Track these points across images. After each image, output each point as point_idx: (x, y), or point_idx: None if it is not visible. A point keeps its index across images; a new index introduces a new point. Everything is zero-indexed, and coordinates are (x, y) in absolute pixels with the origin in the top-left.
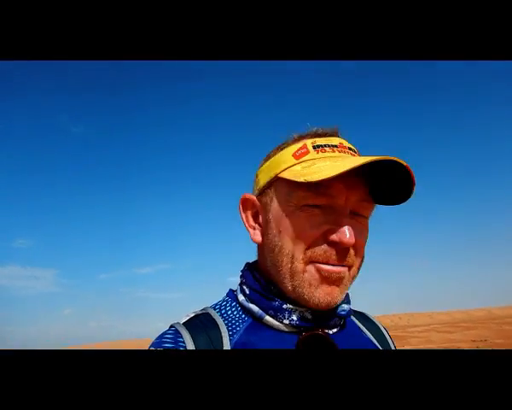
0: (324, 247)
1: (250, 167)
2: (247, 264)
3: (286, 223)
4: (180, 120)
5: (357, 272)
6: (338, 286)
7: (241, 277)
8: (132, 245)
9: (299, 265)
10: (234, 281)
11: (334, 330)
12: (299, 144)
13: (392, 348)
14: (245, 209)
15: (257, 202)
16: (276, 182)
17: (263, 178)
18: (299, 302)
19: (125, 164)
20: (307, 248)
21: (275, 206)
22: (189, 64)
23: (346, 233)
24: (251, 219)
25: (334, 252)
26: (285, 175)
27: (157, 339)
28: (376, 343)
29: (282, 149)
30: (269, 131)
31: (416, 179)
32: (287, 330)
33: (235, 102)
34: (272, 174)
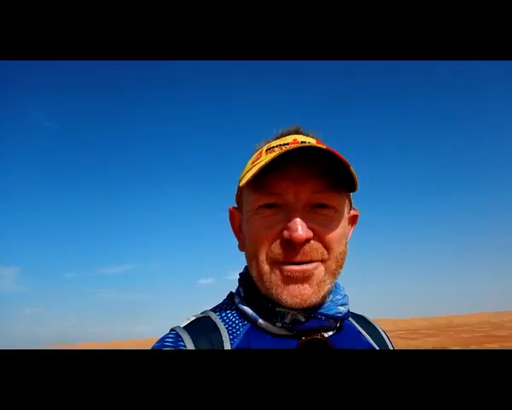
0: (281, 246)
1: (219, 172)
2: (246, 268)
3: (248, 228)
4: (154, 118)
5: (337, 265)
6: (309, 285)
7: (238, 280)
8: (101, 244)
9: (265, 267)
10: (205, 283)
11: (330, 332)
12: (258, 151)
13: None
14: (232, 221)
15: (236, 213)
16: (242, 191)
17: (237, 189)
18: (278, 303)
19: (97, 162)
20: (267, 250)
21: (243, 214)
22: (164, 63)
23: (297, 228)
24: (237, 231)
25: (292, 250)
26: (241, 183)
27: (158, 343)
28: (376, 346)
29: (250, 159)
30: (241, 135)
31: (347, 160)
32: (280, 333)
33: (213, 106)
34: (240, 184)
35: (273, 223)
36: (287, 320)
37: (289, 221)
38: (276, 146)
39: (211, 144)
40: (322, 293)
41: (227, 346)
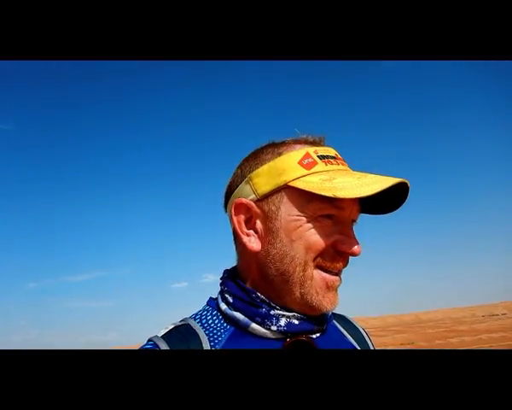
0: (333, 256)
1: (192, 173)
2: (227, 271)
3: (300, 232)
4: (112, 119)
5: None
6: (336, 293)
7: (221, 284)
8: (64, 251)
9: (309, 273)
10: (179, 288)
11: (318, 334)
12: (302, 152)
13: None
14: (237, 214)
15: (255, 208)
16: (286, 190)
17: (265, 184)
18: (301, 309)
19: (58, 164)
20: (316, 257)
21: (285, 214)
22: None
23: (357, 244)
24: (243, 226)
25: (339, 261)
26: (300, 185)
27: None
28: (357, 346)
29: (279, 155)
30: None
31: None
32: (273, 336)
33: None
34: (280, 181)
35: (330, 233)
36: (282, 323)
37: (345, 234)
38: (328, 157)
39: (181, 142)
40: None
41: None
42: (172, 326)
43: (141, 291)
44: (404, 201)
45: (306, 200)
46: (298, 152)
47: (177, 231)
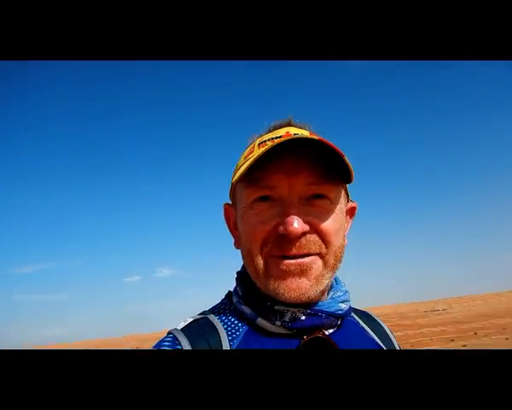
0: (277, 240)
1: (144, 166)
2: (243, 266)
3: (243, 224)
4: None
5: (336, 259)
6: (307, 278)
7: (236, 279)
8: (10, 241)
9: (260, 262)
10: (131, 281)
11: (331, 330)
12: (250, 146)
13: (396, 346)
14: (228, 219)
15: (231, 209)
16: (235, 187)
17: (230, 186)
18: (280, 298)
19: (4, 153)
20: (263, 245)
21: (238, 210)
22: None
23: (292, 222)
24: (233, 228)
25: (288, 244)
26: (234, 178)
27: (154, 347)
28: (380, 343)
29: (242, 154)
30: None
31: (340, 150)
32: (280, 332)
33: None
34: (232, 181)
35: (268, 217)
36: (286, 319)
37: (284, 215)
38: (269, 139)
39: (134, 132)
40: (321, 287)
41: (226, 348)
42: (191, 319)
43: (92, 284)
44: (339, 159)
45: (241, 190)
46: (248, 148)
47: (132, 223)
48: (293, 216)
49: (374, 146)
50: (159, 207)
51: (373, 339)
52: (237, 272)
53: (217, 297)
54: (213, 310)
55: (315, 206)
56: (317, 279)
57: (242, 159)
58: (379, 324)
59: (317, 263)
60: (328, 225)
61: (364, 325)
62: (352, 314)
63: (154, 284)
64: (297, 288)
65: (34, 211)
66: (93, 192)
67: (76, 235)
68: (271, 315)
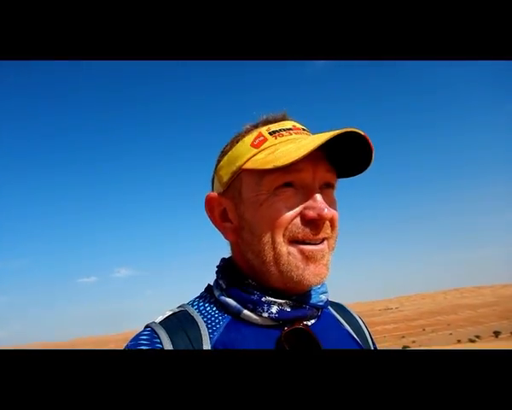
0: (302, 225)
1: (99, 158)
2: (224, 259)
3: (262, 211)
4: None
5: (335, 243)
6: (324, 264)
7: (217, 272)
8: None
9: (282, 248)
10: (87, 282)
11: (312, 321)
12: (255, 133)
13: (369, 338)
14: (211, 209)
15: (223, 199)
16: (242, 174)
17: (226, 174)
18: (287, 288)
19: None
20: (286, 230)
21: (246, 197)
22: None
23: (324, 208)
24: (218, 219)
25: (311, 229)
26: (249, 166)
27: (132, 341)
28: (354, 335)
29: (237, 142)
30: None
31: (373, 147)
32: (265, 323)
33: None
34: (235, 168)
35: (294, 203)
36: (273, 310)
37: (313, 201)
38: (280, 130)
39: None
40: (329, 272)
41: (206, 340)
42: (170, 312)
43: (41, 286)
44: (370, 154)
45: (259, 177)
46: (251, 134)
47: (87, 222)
48: (322, 201)
49: None
50: (119, 207)
51: (347, 331)
52: (218, 266)
53: (179, 297)
54: (192, 303)
55: (325, 194)
56: (327, 264)
57: (247, 146)
58: (353, 316)
59: (328, 248)
60: (336, 211)
61: (339, 317)
62: (328, 306)
63: (111, 285)
64: (319, 273)
65: None
66: (45, 190)
67: (22, 233)
68: (259, 307)
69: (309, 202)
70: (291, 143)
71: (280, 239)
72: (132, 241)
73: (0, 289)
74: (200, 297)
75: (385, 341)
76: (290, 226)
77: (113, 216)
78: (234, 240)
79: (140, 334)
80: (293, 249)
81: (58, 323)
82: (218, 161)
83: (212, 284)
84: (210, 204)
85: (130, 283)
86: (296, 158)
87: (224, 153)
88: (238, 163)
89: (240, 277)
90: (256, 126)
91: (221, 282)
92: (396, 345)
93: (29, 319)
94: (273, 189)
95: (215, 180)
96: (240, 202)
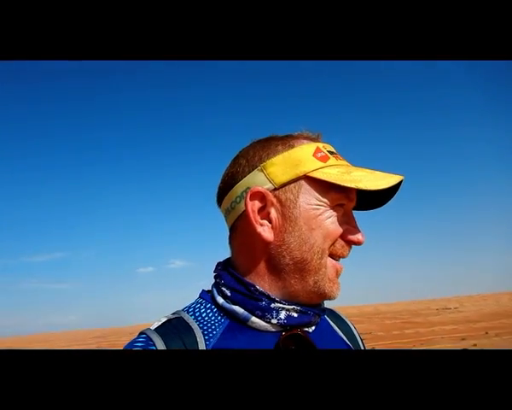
0: (343, 244)
1: (160, 159)
2: (221, 263)
3: (319, 221)
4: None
5: None
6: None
7: (216, 277)
8: (24, 231)
9: (325, 261)
10: (145, 272)
11: (313, 327)
12: (313, 146)
13: (361, 344)
14: (253, 205)
15: (271, 196)
16: (304, 180)
17: (282, 174)
18: (313, 296)
19: (21, 142)
20: (331, 246)
21: (303, 203)
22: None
23: (363, 235)
24: (257, 215)
25: (347, 249)
26: (320, 176)
27: (127, 347)
28: (347, 341)
29: (292, 147)
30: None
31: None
32: (273, 329)
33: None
34: (298, 171)
35: (341, 223)
36: (282, 316)
37: (352, 225)
38: (334, 153)
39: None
40: None
41: (202, 346)
42: (165, 319)
43: (105, 275)
44: (391, 197)
45: (325, 190)
46: (309, 146)
47: (146, 214)
48: (360, 229)
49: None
50: (173, 201)
51: (341, 337)
52: (219, 273)
53: None
54: (187, 310)
55: None
56: None
57: (310, 155)
58: (345, 322)
59: None
60: None
61: (333, 324)
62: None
63: (166, 276)
64: (339, 289)
65: (46, 201)
66: (109, 184)
67: (89, 225)
68: (268, 313)
69: (351, 227)
70: (360, 171)
71: (327, 251)
72: (186, 233)
73: (72, 277)
74: (195, 304)
75: (443, 342)
76: (336, 243)
77: (167, 209)
78: (269, 240)
79: (135, 340)
80: (329, 263)
81: (124, 310)
82: (263, 157)
83: (206, 289)
84: (255, 197)
85: (184, 273)
86: (379, 187)
87: (271, 150)
88: (302, 168)
89: (246, 282)
90: (302, 137)
91: (223, 288)
92: (455, 348)
93: (97, 306)
94: (333, 205)
95: (257, 175)
96: (294, 206)
